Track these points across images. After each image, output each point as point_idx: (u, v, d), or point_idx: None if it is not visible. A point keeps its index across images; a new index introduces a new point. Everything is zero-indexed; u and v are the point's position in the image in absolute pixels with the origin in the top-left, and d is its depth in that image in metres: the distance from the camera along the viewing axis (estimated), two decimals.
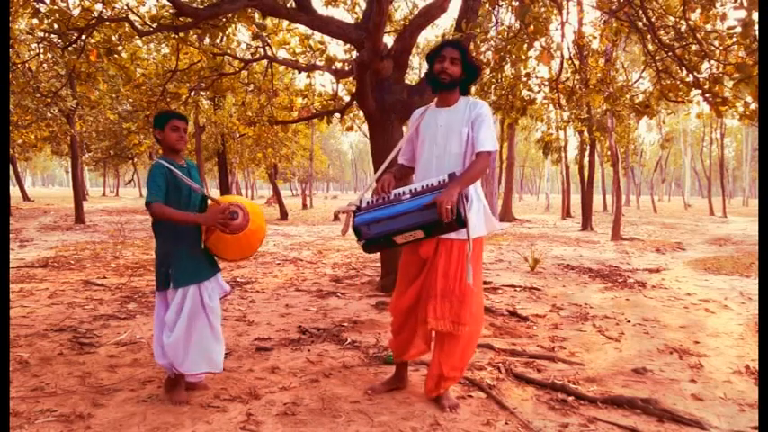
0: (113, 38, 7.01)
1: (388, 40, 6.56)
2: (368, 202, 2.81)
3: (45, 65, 12.18)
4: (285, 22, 8.31)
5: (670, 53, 5.87)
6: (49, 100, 12.53)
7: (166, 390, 3.01)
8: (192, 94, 8.73)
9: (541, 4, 6.07)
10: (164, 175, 2.81)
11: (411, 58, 6.05)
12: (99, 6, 6.47)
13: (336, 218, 21.09)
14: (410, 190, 2.75)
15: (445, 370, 2.86)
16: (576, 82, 7.51)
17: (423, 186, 2.74)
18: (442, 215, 2.47)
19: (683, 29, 5.79)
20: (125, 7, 6.75)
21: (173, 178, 2.85)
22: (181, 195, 2.87)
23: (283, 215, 21.12)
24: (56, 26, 5.98)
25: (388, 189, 2.83)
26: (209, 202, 2.99)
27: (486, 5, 7.58)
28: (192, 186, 2.91)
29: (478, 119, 2.83)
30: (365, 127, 8.63)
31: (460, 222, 2.58)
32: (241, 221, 2.78)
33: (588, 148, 18.44)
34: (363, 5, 7.77)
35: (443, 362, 2.87)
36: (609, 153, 16.34)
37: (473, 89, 7.44)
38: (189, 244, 2.89)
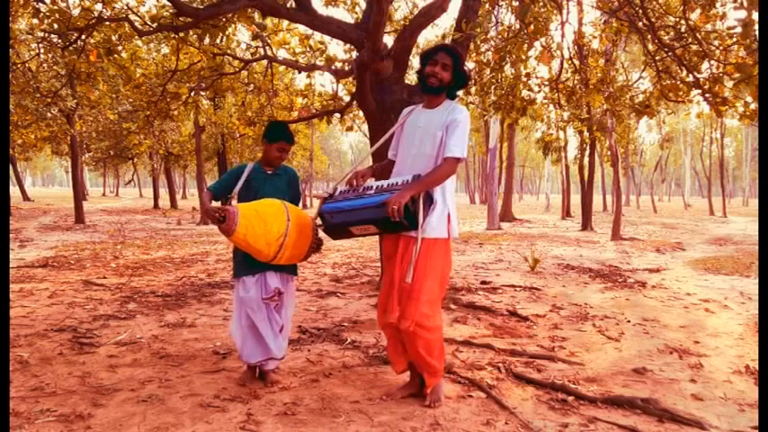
0: (113, 38, 7.02)
1: (388, 40, 6.56)
2: (340, 192, 2.96)
3: (45, 65, 12.17)
4: (285, 22, 8.31)
5: (670, 53, 5.87)
6: (49, 100, 12.53)
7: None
8: (192, 94, 8.72)
9: (541, 3, 6.07)
10: (233, 173, 3.23)
11: (411, 58, 6.05)
12: (99, 6, 6.48)
13: None
14: (377, 186, 2.86)
15: (417, 366, 2.94)
16: (576, 82, 7.51)
17: (388, 184, 2.84)
18: (388, 214, 2.59)
19: (683, 29, 5.79)
20: (125, 7, 6.75)
21: (246, 179, 3.17)
22: (249, 194, 3.17)
23: None
24: (56, 26, 5.99)
25: (361, 181, 2.92)
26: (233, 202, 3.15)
27: (486, 5, 7.57)
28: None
29: (453, 123, 2.83)
30: (365, 127, 8.64)
31: (412, 224, 2.70)
32: (225, 225, 2.86)
33: (588, 148, 18.43)
34: (363, 5, 7.76)
35: (411, 358, 2.93)
36: (609, 153, 16.34)
37: (473, 89, 7.45)
38: None
